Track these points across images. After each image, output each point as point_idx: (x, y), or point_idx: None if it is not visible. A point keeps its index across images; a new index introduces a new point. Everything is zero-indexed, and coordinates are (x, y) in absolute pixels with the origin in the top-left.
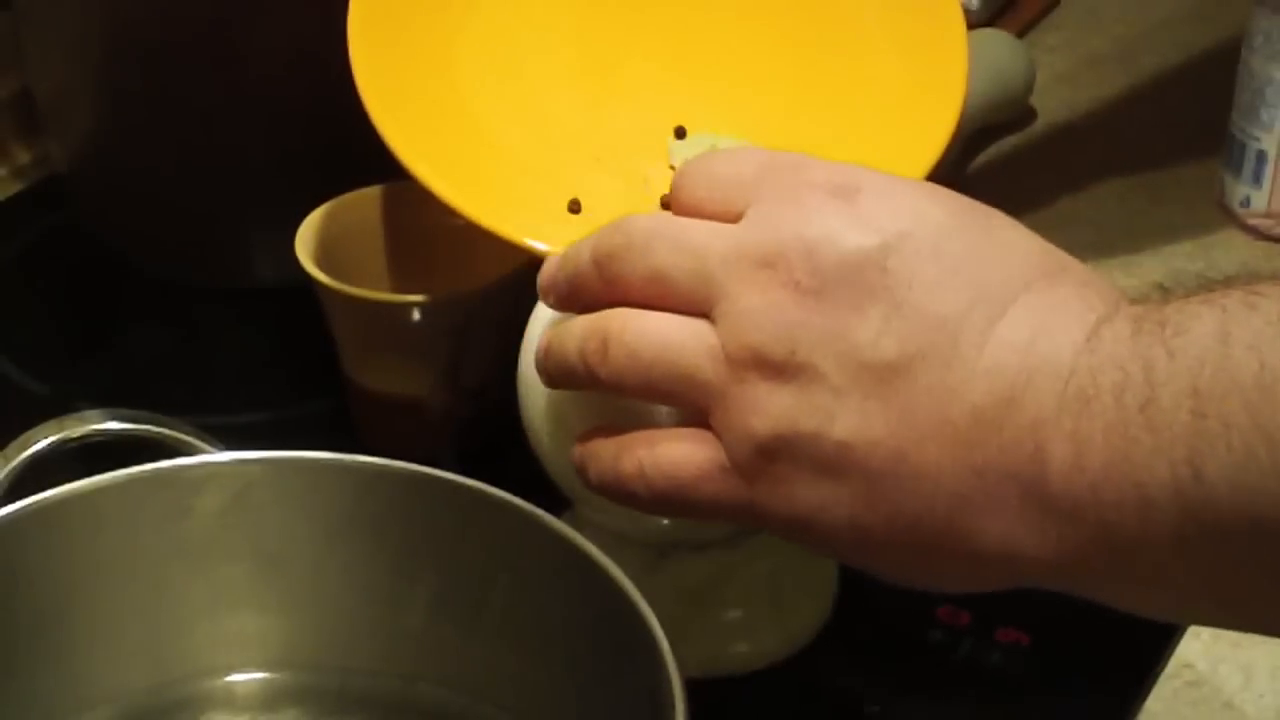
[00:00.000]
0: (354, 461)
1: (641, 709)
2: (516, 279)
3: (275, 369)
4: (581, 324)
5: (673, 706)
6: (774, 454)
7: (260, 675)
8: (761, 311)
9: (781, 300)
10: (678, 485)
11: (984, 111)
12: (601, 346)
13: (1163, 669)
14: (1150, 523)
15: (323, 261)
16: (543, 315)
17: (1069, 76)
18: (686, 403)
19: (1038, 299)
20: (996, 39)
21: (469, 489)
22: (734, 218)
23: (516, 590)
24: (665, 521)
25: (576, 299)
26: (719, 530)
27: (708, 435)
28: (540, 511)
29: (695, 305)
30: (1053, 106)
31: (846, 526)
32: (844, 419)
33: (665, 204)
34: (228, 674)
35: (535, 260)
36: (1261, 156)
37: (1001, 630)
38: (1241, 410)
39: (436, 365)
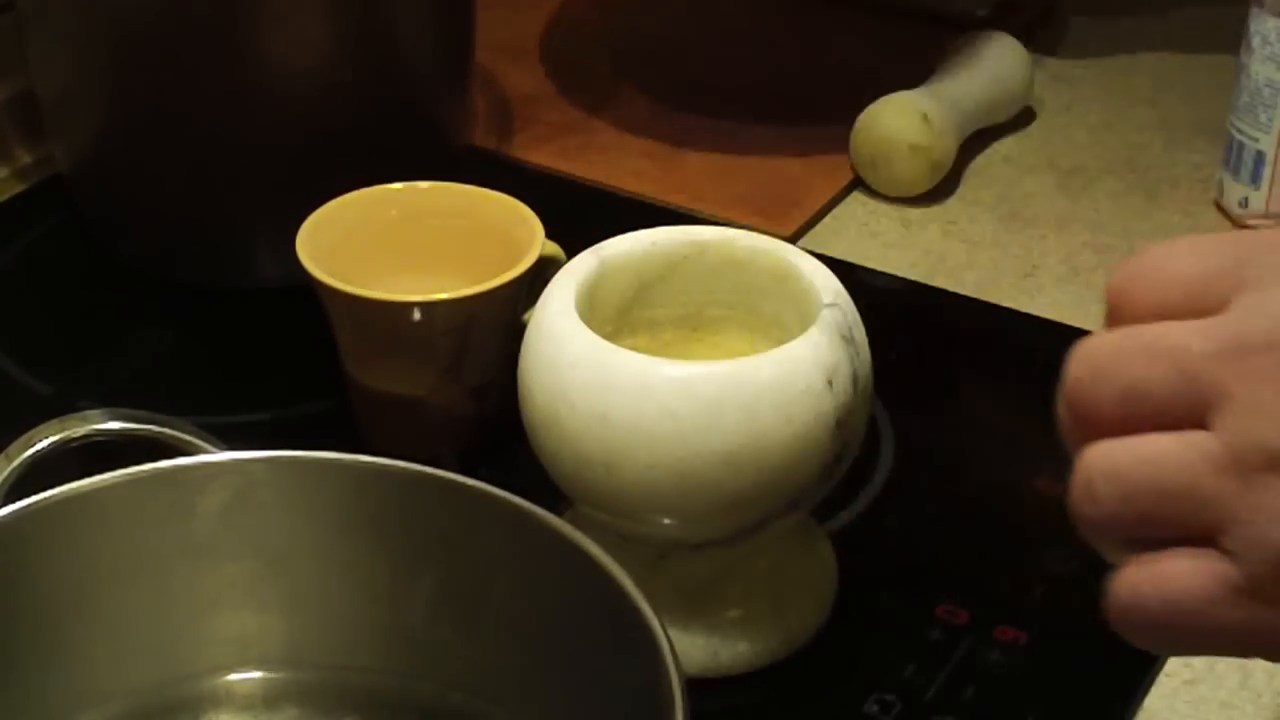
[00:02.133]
0: (354, 461)
1: (641, 709)
2: (518, 280)
3: (276, 369)
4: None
5: (673, 706)
6: None
7: (260, 674)
8: (1273, 401)
9: None
10: (1179, 613)
11: (984, 111)
12: (1087, 489)
13: (1161, 668)
14: None
15: (324, 261)
16: (550, 309)
17: (1069, 76)
18: (1191, 527)
19: None
20: (996, 39)
21: (469, 489)
22: (1208, 314)
23: (516, 590)
24: (666, 521)
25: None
26: (718, 529)
27: (1213, 553)
28: (540, 511)
29: (1185, 417)
30: (1053, 106)
31: None
32: None
33: (1112, 319)
34: (228, 673)
35: (536, 263)
36: (1260, 157)
37: (1000, 629)
38: None
39: (437, 365)
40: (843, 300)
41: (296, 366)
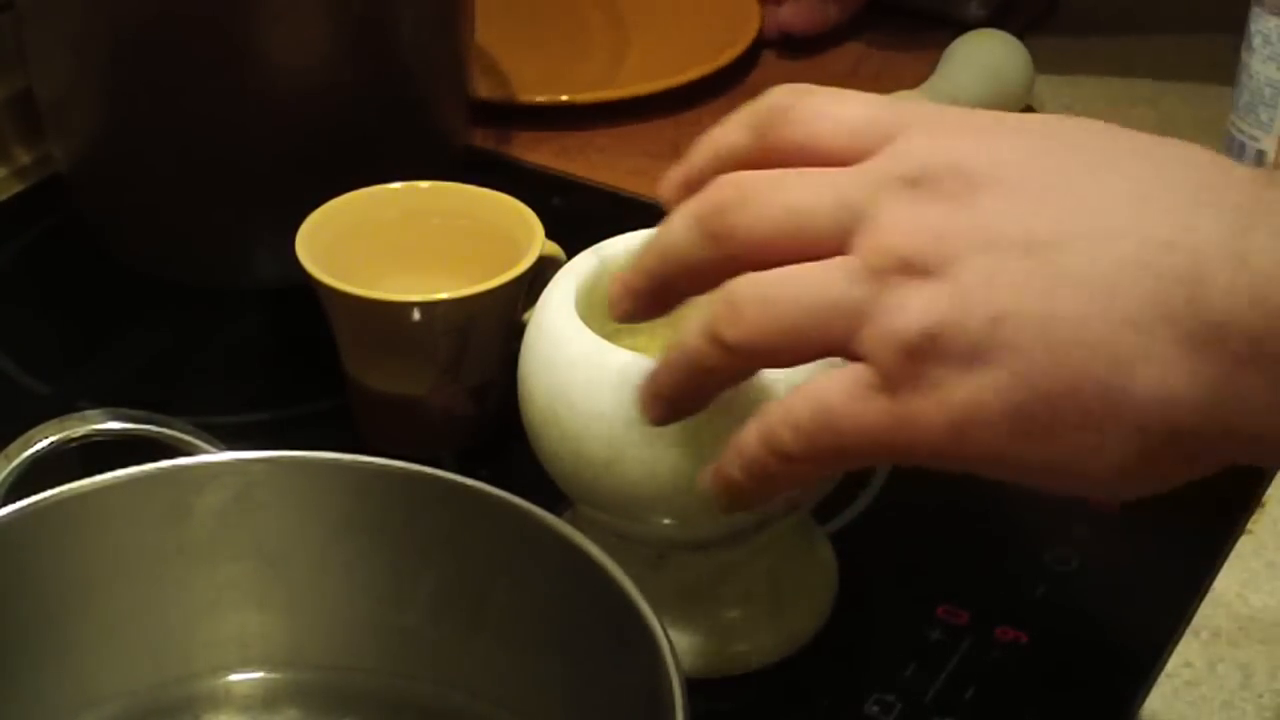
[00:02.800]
0: (354, 461)
1: (642, 709)
2: (518, 280)
3: (275, 369)
4: (699, 310)
5: (673, 706)
6: (923, 354)
7: (260, 675)
8: (907, 219)
9: (927, 210)
10: (826, 415)
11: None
12: (731, 310)
13: (1162, 668)
14: None
15: (323, 261)
16: (550, 309)
17: (1069, 76)
18: (833, 339)
19: (1184, 188)
20: (996, 39)
21: (469, 489)
22: (864, 156)
23: (516, 590)
24: (666, 521)
25: (680, 281)
26: (718, 529)
27: (848, 364)
28: (540, 511)
29: (834, 243)
30: (1052, 107)
31: (1006, 417)
32: (993, 296)
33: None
34: (228, 673)
35: (536, 263)
36: (1260, 157)
37: (1001, 629)
38: None
39: (437, 365)
40: None
41: (296, 366)
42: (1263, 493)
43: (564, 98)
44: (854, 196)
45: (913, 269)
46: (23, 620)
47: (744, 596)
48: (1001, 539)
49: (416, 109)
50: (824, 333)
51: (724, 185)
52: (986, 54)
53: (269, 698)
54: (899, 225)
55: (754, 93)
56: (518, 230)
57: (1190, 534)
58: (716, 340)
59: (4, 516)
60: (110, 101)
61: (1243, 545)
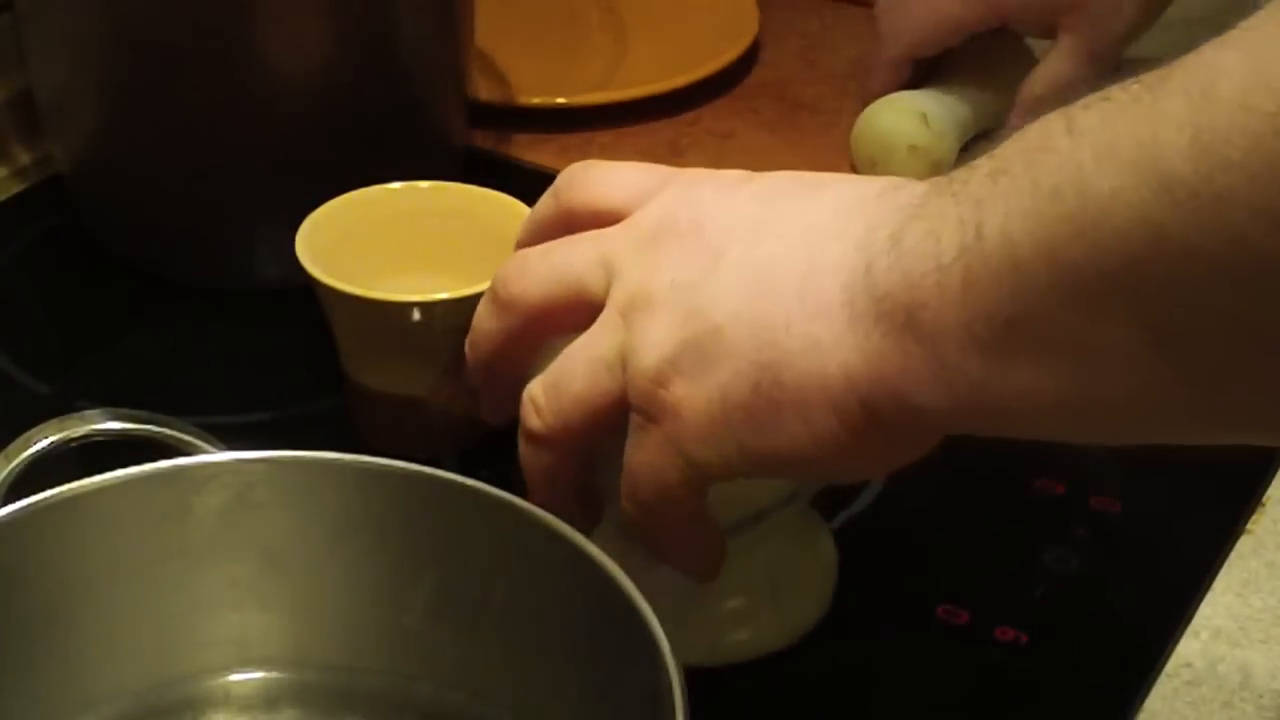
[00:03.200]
0: (354, 461)
1: (642, 709)
2: None
3: (275, 369)
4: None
5: (673, 706)
6: (667, 379)
7: (260, 675)
8: (643, 266)
9: (658, 254)
10: (635, 483)
11: (986, 112)
12: (527, 408)
13: (1162, 668)
14: (945, 290)
15: (323, 261)
16: None
17: None
18: (616, 397)
19: (860, 208)
20: (999, 39)
21: (469, 489)
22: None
23: (516, 590)
24: None
25: (495, 359)
26: (721, 519)
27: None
28: (540, 511)
29: (602, 298)
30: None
31: (739, 409)
32: (711, 313)
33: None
34: (228, 673)
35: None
36: None
37: (1000, 629)
38: (1020, 163)
39: (437, 365)
40: None
41: (296, 366)
42: (1263, 493)
43: (563, 99)
44: (610, 253)
45: (647, 306)
46: (22, 620)
47: (743, 586)
48: (1001, 539)
49: (416, 110)
50: (607, 394)
51: (508, 260)
52: (988, 54)
53: (269, 698)
54: (635, 272)
55: (753, 94)
56: (517, 230)
57: (1190, 534)
58: (530, 439)
59: (4, 516)
60: (110, 101)
61: (1242, 545)
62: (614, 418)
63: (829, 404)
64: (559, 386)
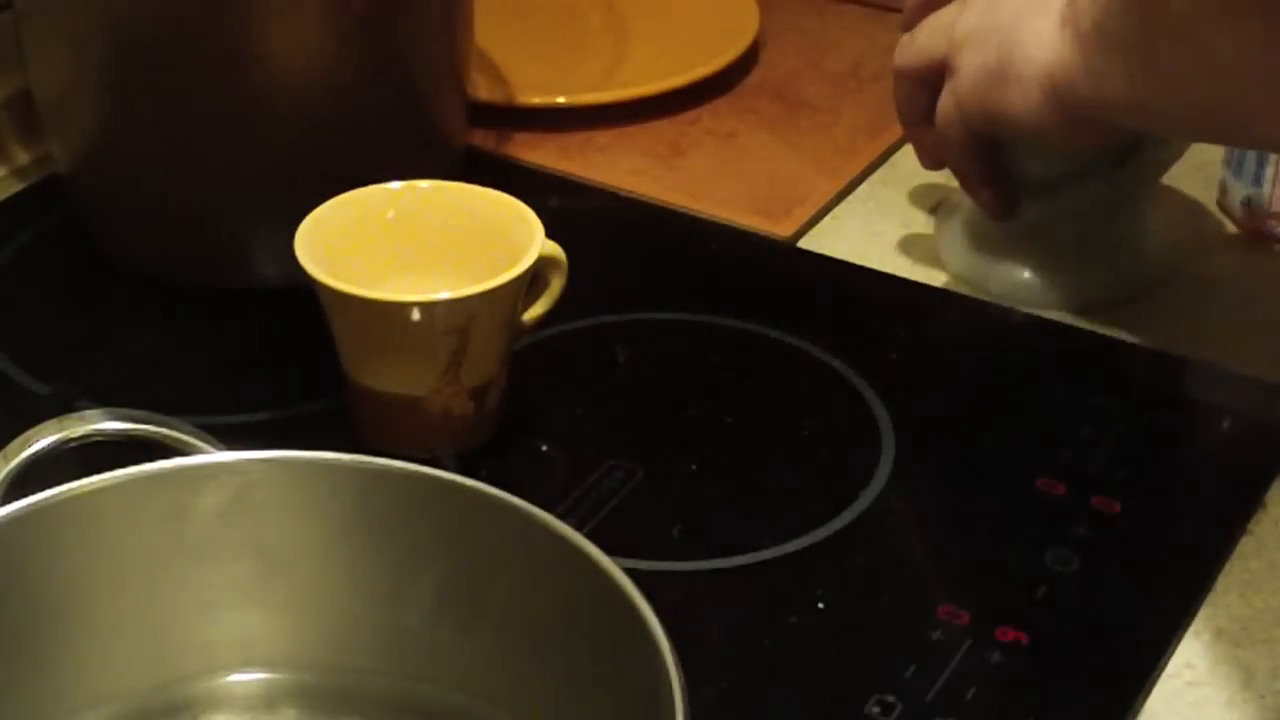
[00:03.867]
0: (354, 461)
1: (641, 709)
2: (518, 280)
3: (275, 369)
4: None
5: (672, 706)
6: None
7: (260, 675)
8: (958, 23)
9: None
10: (947, 112)
11: None
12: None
13: (1163, 669)
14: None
15: (322, 261)
16: None
17: None
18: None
19: None
20: None
21: (469, 489)
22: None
23: (516, 590)
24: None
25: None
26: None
27: None
28: (540, 512)
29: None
30: None
31: (983, 73)
32: (969, 27)
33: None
34: (228, 674)
35: (536, 262)
36: (1262, 157)
37: (1001, 629)
38: None
39: (437, 365)
40: None
41: (295, 366)
42: (1263, 493)
43: (563, 99)
44: (952, 34)
45: (971, 4)
46: (22, 620)
47: (1045, 249)
48: (1002, 540)
49: (416, 109)
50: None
51: (903, 42)
52: None
53: (269, 698)
54: (958, 27)
55: (753, 94)
56: (517, 230)
57: (1191, 534)
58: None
59: (4, 516)
60: (110, 101)
61: (1244, 546)
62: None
63: (1036, 83)
64: (915, 37)
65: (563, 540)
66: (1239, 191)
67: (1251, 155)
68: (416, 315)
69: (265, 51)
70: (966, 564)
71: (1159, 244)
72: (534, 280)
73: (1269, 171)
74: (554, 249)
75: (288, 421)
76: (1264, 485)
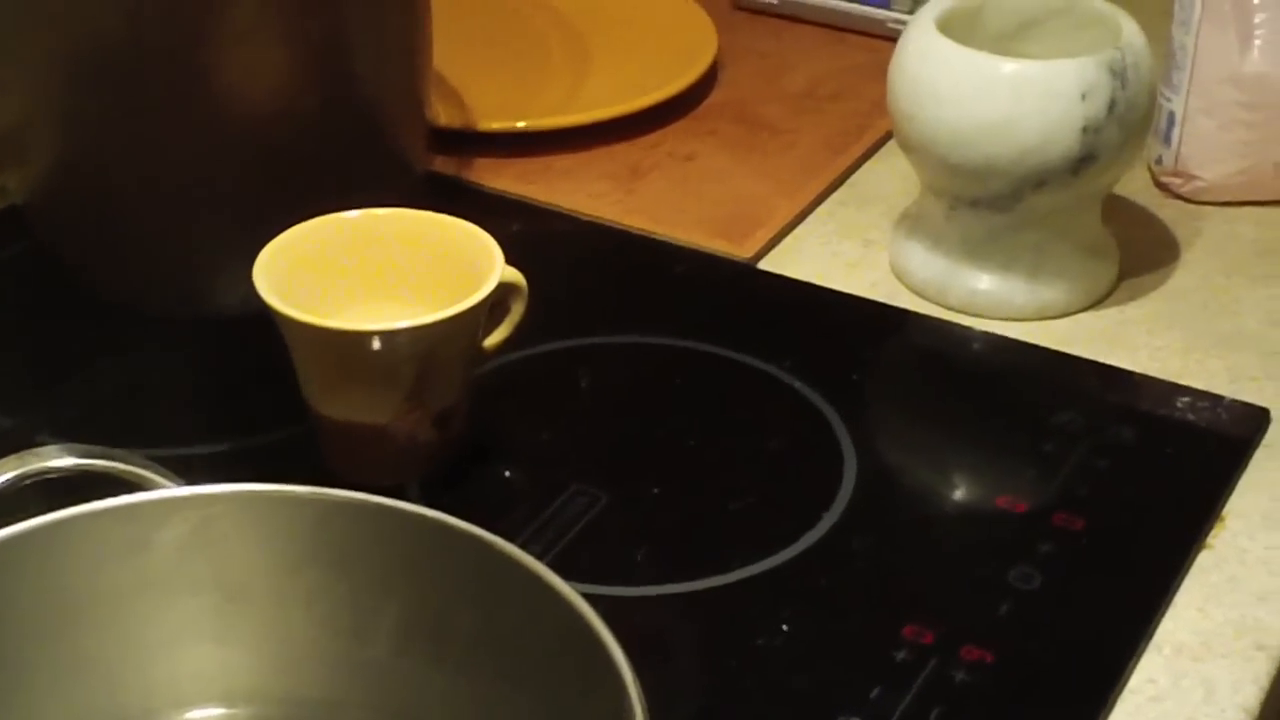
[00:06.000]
0: (313, 494)
1: None
2: (479, 307)
3: (238, 398)
4: None
5: None
6: None
7: (221, 710)
8: None
9: None
10: None
11: None
12: None
13: (1126, 684)
14: None
15: (282, 291)
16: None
17: None
18: None
19: None
20: None
21: (430, 520)
22: None
23: (480, 621)
24: (949, 165)
25: None
26: (984, 188)
27: None
28: (504, 543)
29: None
30: None
31: None
32: None
33: None
34: (190, 709)
35: (496, 289)
36: (1172, 118)
37: (966, 649)
38: None
39: (399, 393)
40: (1130, 49)
41: (257, 396)
42: (1221, 507)
43: (523, 124)
44: None
45: None
46: None
47: (1006, 262)
48: (966, 558)
49: (376, 136)
50: None
51: None
52: None
53: None
54: None
55: (713, 116)
56: (478, 256)
57: (1151, 549)
58: None
59: None
60: (68, 131)
61: (1203, 560)
62: None
63: None
64: None
65: (526, 570)
66: (1154, 150)
67: (1165, 118)
68: (377, 344)
69: (224, 80)
70: (931, 584)
71: (1114, 251)
72: (495, 306)
73: (1176, 132)
74: (514, 275)
75: (250, 451)
76: (1221, 499)
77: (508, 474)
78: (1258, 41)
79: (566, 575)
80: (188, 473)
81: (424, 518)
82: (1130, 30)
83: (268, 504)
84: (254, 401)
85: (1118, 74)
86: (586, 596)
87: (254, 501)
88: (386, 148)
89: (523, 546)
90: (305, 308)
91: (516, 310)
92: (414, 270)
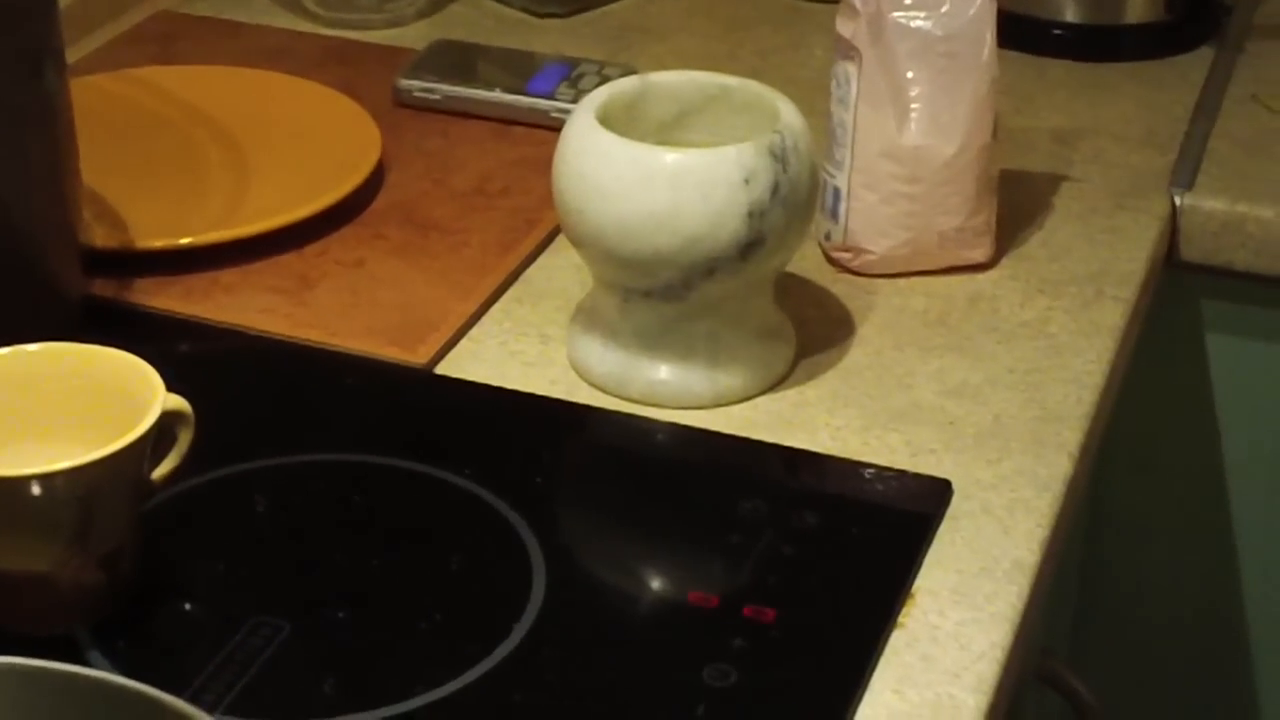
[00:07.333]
0: None
1: None
2: (140, 441)
3: None
4: None
5: None
6: None
7: None
8: None
9: None
10: None
11: None
12: None
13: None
14: None
15: None
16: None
17: None
18: None
19: None
20: None
21: (90, 680)
22: None
23: None
24: (619, 259)
25: None
26: (654, 279)
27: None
28: (176, 700)
29: None
30: None
31: None
32: None
33: None
34: None
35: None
36: (837, 193)
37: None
38: None
39: (62, 538)
40: (789, 131)
41: None
42: (911, 584)
43: (185, 240)
44: None
45: None
46: None
47: (683, 352)
48: (661, 659)
49: (26, 265)
50: None
51: None
52: None
53: None
54: None
55: (380, 219)
56: (137, 388)
57: (843, 634)
58: None
59: None
60: None
61: (896, 640)
62: None
63: None
64: None
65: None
66: (823, 227)
67: (831, 194)
68: (36, 489)
69: None
70: (625, 691)
71: (790, 332)
72: (162, 436)
73: (843, 207)
74: (178, 402)
75: None
76: (910, 575)
77: (187, 608)
78: (914, 115)
79: (250, 714)
80: None
81: (81, 678)
82: (788, 112)
83: None
84: None
85: (779, 157)
86: None
87: None
88: (38, 276)
89: (203, 686)
90: None
91: (184, 439)
92: (71, 407)
